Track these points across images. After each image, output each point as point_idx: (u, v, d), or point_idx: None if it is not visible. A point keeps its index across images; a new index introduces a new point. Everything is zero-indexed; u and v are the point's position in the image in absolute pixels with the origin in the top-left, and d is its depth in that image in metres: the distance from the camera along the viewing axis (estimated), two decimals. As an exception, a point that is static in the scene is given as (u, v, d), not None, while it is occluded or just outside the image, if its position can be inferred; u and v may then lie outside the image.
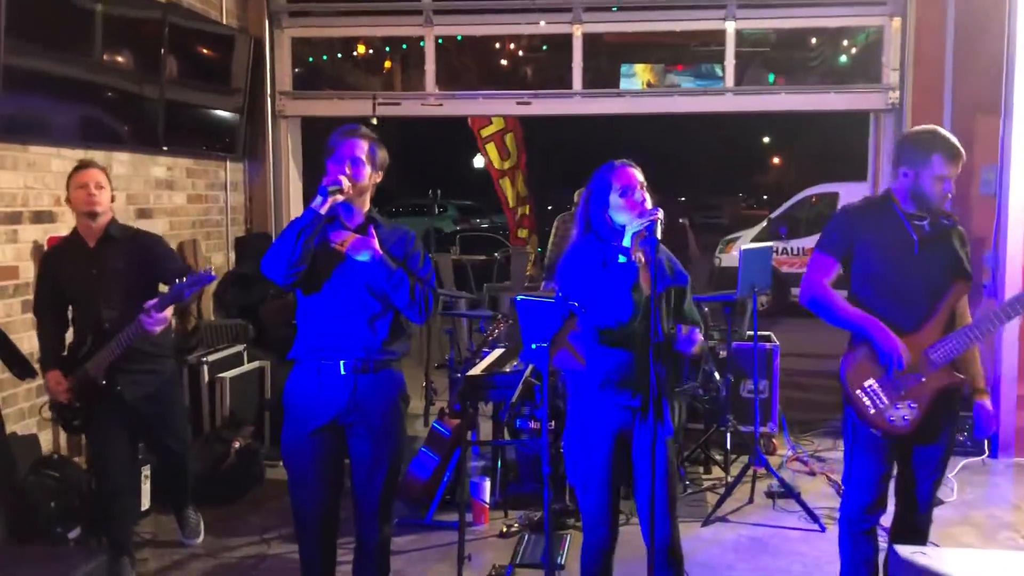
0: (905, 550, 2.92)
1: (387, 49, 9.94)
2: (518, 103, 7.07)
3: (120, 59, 5.48)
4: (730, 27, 6.86)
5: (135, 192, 5.80)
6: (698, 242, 12.64)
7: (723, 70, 11.59)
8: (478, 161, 36.45)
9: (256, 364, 6.14)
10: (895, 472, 3.49)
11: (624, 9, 6.97)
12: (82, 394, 4.02)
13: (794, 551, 4.56)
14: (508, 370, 3.97)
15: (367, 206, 3.36)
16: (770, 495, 5.23)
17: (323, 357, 3.28)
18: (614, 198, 3.10)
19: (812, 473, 5.67)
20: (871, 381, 3.33)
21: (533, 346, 2.86)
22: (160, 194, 6.09)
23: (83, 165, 4.07)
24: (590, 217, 3.16)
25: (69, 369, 4.04)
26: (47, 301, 4.14)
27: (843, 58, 12.99)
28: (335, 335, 3.26)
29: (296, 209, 7.48)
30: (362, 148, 3.26)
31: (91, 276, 4.02)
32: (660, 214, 2.97)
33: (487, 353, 4.71)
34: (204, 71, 6.54)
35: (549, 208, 18.71)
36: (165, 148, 5.97)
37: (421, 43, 7.12)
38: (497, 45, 12.16)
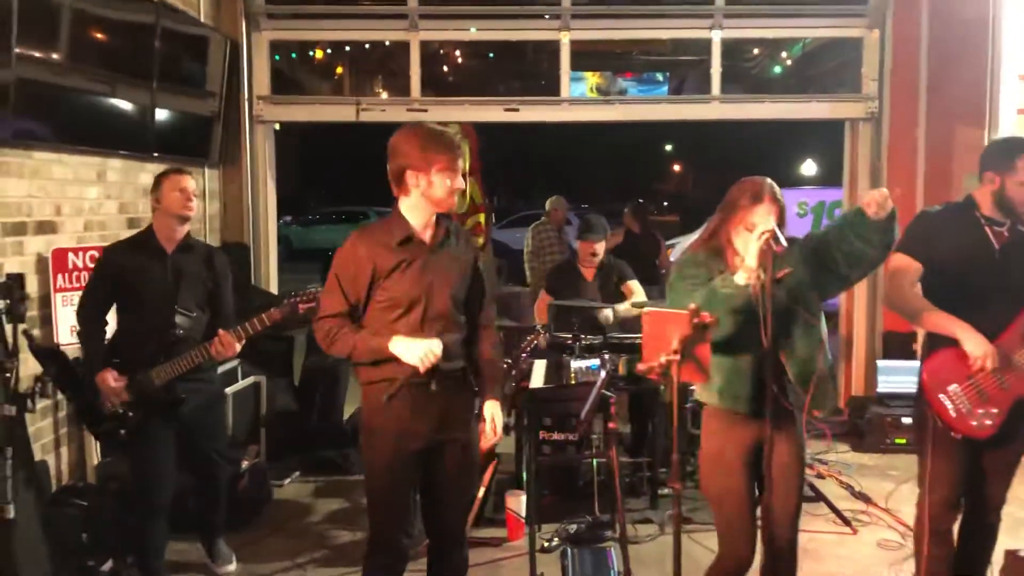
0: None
1: (347, 49, 9.75)
2: (506, 109, 6.98)
3: (115, 62, 5.17)
4: (716, 36, 6.93)
5: (127, 200, 5.49)
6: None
7: (663, 76, 11.72)
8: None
9: (252, 380, 5.88)
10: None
11: (612, 17, 6.97)
12: (137, 401, 3.84)
13: (835, 555, 4.61)
14: (574, 382, 3.89)
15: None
16: (794, 499, 5.28)
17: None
18: (741, 230, 3.05)
19: (821, 476, 5.75)
20: (954, 385, 3.38)
21: (663, 359, 2.78)
22: (147, 202, 5.74)
23: (178, 170, 4.02)
24: (715, 230, 3.13)
25: (123, 372, 3.87)
26: (102, 300, 3.98)
27: (777, 68, 13.38)
28: None
29: (272, 218, 7.23)
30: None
31: (168, 280, 3.94)
32: (769, 228, 2.93)
33: (527, 365, 4.63)
34: (185, 74, 6.24)
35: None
36: (156, 154, 5.66)
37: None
38: (441, 51, 12.07)
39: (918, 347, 6.86)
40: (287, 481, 5.73)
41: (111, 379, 3.82)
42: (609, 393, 3.87)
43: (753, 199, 3.06)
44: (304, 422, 6.22)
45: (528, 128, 7.40)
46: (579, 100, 7.04)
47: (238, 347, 3.91)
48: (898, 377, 6.63)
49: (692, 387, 5.45)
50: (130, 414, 3.87)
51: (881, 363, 6.70)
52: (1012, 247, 3.40)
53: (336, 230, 25.38)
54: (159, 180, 4.00)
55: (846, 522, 4.94)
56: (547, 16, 7.00)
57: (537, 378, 4.01)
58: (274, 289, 7.36)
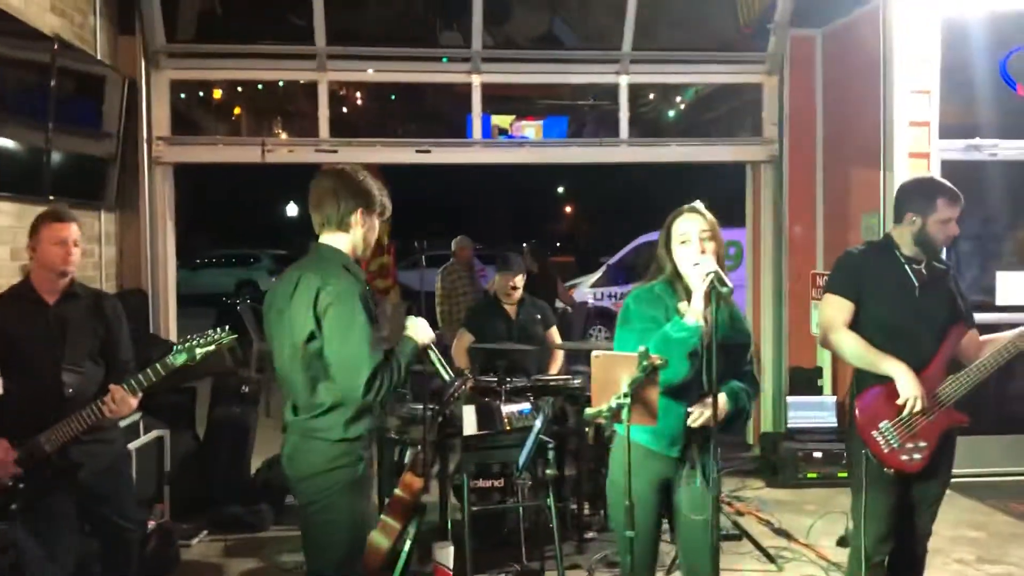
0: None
1: (239, 90, 9.50)
2: (417, 151, 6.92)
3: (9, 101, 4.89)
4: (623, 81, 7.06)
5: (19, 246, 5.14)
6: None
7: (568, 121, 11.91)
8: (291, 210, 35.63)
9: (154, 434, 5.56)
10: None
11: (523, 61, 7.02)
12: (29, 471, 3.49)
13: (763, 592, 4.64)
14: (509, 429, 3.81)
15: None
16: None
17: None
18: (675, 247, 3.07)
19: (740, 513, 5.81)
20: (885, 422, 3.47)
21: (614, 402, 2.73)
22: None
23: (58, 216, 3.60)
24: (660, 264, 3.12)
25: (12, 438, 3.51)
26: None
27: (672, 112, 13.77)
28: None
29: (172, 263, 6.93)
30: None
31: (51, 336, 3.59)
32: (713, 268, 2.94)
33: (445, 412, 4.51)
34: (81, 114, 5.95)
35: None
36: (51, 197, 5.34)
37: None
38: (341, 92, 11.94)
39: (823, 383, 7.10)
40: (195, 541, 5.43)
41: (1, 451, 3.48)
42: (547, 439, 3.81)
43: (675, 213, 3.15)
44: (211, 478, 5.92)
45: (420, 169, 7.32)
46: (491, 142, 7.03)
47: (134, 402, 3.60)
48: (806, 412, 6.80)
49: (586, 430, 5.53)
50: (20, 486, 3.51)
51: (790, 399, 6.85)
52: (930, 285, 3.54)
53: (225, 274, 24.70)
54: (36, 226, 3.60)
55: (771, 559, 4.98)
56: (446, 60, 6.99)
57: (469, 425, 3.91)
58: (174, 338, 7.03)
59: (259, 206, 31.63)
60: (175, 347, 3.60)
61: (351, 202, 3.05)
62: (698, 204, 3.14)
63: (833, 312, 3.55)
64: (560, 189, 44.91)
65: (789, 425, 6.75)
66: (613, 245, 21.44)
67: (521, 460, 3.62)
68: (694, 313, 2.91)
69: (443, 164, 7.00)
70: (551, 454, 3.87)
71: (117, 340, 3.81)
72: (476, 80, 6.90)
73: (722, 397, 2.97)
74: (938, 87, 6.30)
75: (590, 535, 5.27)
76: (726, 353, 3.00)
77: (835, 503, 5.96)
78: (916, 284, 3.52)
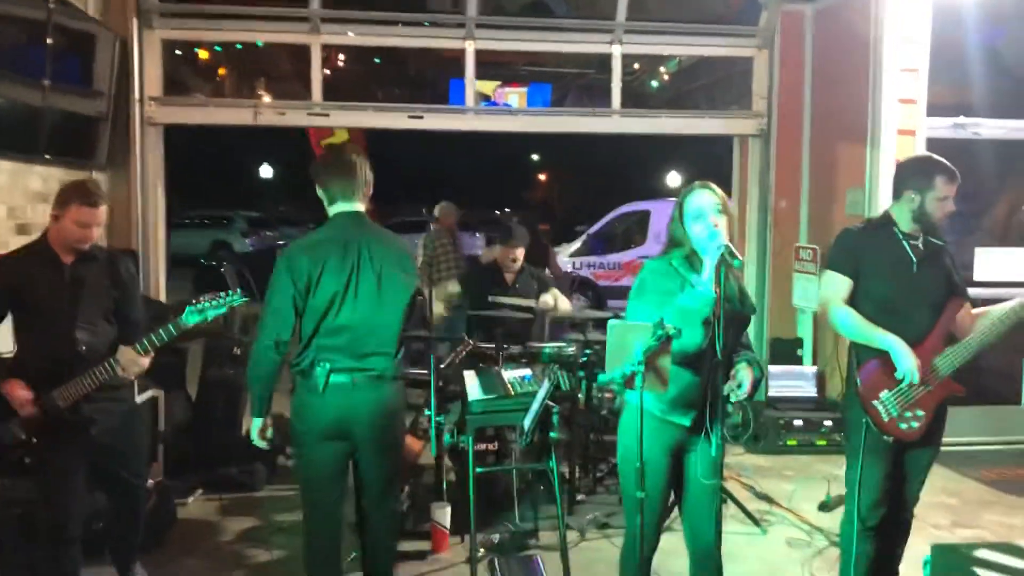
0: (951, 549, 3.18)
1: (234, 48, 9.43)
2: (410, 116, 6.92)
3: (6, 60, 4.85)
4: (616, 51, 7.10)
5: (16, 205, 5.14)
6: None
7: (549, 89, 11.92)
8: (265, 171, 35.30)
9: (149, 394, 5.59)
10: None
11: (516, 28, 7.03)
12: (42, 425, 3.55)
13: (749, 556, 4.78)
14: (513, 394, 3.90)
15: None
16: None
17: None
18: (688, 222, 3.16)
19: (724, 478, 5.95)
20: (885, 392, 3.60)
21: (628, 368, 2.82)
22: (36, 207, 5.42)
23: (90, 200, 3.60)
24: (674, 237, 3.20)
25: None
26: None
27: (655, 83, 13.83)
28: None
29: (162, 224, 6.93)
30: None
31: (66, 294, 3.64)
32: (725, 242, 3.04)
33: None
34: (74, 72, 5.90)
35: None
36: (47, 156, 5.32)
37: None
38: (325, 54, 11.86)
39: (803, 353, 7.28)
40: (191, 500, 5.49)
41: (18, 388, 3.53)
42: (553, 404, 3.91)
43: (688, 189, 3.26)
44: (204, 438, 5.97)
45: (393, 135, 7.33)
46: (485, 110, 7.07)
47: (145, 362, 3.67)
48: (787, 381, 6.97)
49: (604, 395, 5.64)
50: (34, 440, 3.58)
51: (771, 368, 7.00)
52: (927, 260, 3.65)
53: (199, 235, 24.50)
54: (65, 200, 3.62)
55: (755, 522, 5.14)
56: (428, 24, 6.99)
57: (474, 390, 3.99)
58: (163, 298, 7.05)
59: (232, 167, 31.32)
60: (188, 308, 3.64)
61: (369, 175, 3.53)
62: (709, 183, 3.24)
63: (832, 289, 3.67)
64: (535, 157, 44.90)
65: (770, 394, 6.91)
66: (589, 215, 21.53)
67: (526, 424, 3.72)
68: (707, 283, 3.00)
69: (435, 130, 7.00)
70: (556, 419, 3.96)
71: (130, 300, 3.86)
72: (470, 47, 6.90)
73: (748, 369, 3.10)
74: (927, 66, 6.42)
75: (580, 497, 5.41)
76: (734, 324, 3.11)
77: (814, 469, 6.15)
78: (914, 259, 3.63)
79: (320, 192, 3.55)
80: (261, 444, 3.52)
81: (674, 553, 4.01)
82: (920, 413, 3.59)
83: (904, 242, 3.65)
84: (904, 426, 3.59)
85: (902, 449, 3.70)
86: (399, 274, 3.49)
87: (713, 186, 3.22)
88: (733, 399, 3.11)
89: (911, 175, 3.69)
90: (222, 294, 3.71)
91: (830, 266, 3.72)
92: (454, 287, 5.88)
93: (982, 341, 3.58)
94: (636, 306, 3.16)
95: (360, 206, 3.54)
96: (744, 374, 3.14)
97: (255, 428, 3.50)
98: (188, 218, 25.92)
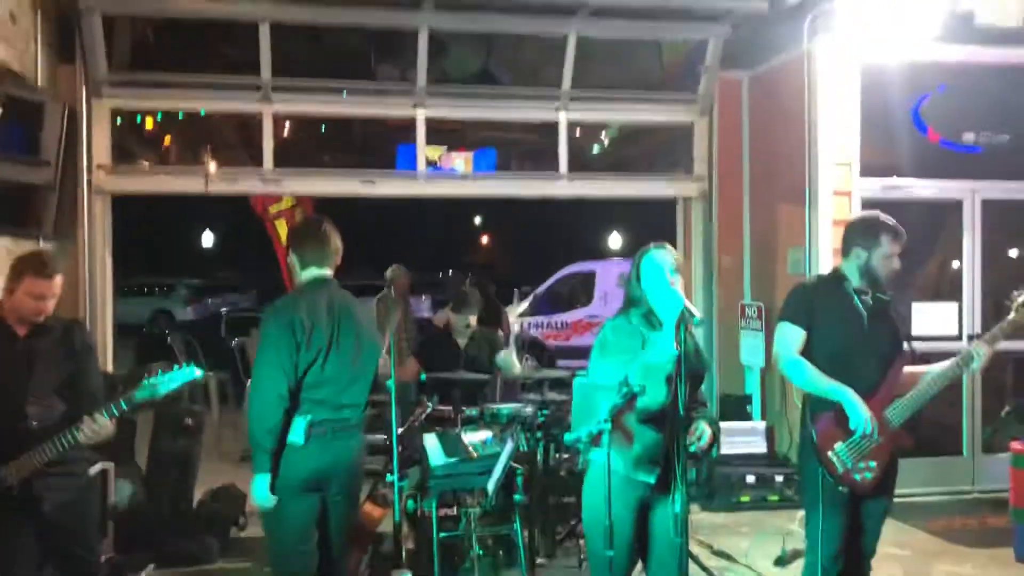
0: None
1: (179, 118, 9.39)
2: (362, 181, 7.01)
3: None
4: (562, 117, 7.31)
5: (-37, 276, 5.04)
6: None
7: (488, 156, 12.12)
8: (207, 239, 34.88)
9: (99, 467, 5.45)
10: None
11: (465, 96, 7.19)
12: None
13: (710, 611, 4.83)
14: (476, 457, 3.91)
15: None
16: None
17: None
18: (646, 280, 3.25)
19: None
20: (839, 444, 3.70)
21: (595, 427, 2.89)
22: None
23: (43, 272, 3.54)
24: (632, 297, 3.28)
25: None
26: None
27: (596, 148, 14.12)
28: None
29: (109, 294, 6.86)
30: None
31: (19, 368, 3.55)
32: (684, 300, 3.14)
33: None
34: (19, 142, 5.86)
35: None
36: (-6, 227, 5.26)
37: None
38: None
39: (751, 408, 7.41)
40: (142, 575, 5.34)
41: None
42: (516, 464, 3.94)
43: (644, 250, 3.40)
44: (155, 511, 5.84)
45: (337, 200, 7.44)
46: (435, 175, 7.17)
47: (112, 427, 3.59)
48: (738, 438, 7.08)
49: (563, 457, 5.67)
50: None
51: (722, 424, 7.09)
52: (876, 315, 3.80)
53: (140, 303, 24.06)
54: (19, 272, 3.57)
55: (715, 580, 5.19)
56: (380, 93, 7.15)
57: (435, 454, 4.00)
58: (110, 368, 6.92)
59: (172, 234, 30.94)
60: (142, 382, 3.59)
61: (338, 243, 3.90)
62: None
63: (786, 340, 3.78)
64: (476, 220, 45.25)
65: (722, 451, 7.00)
66: (531, 276, 21.72)
67: (490, 487, 3.74)
68: (668, 341, 3.08)
69: (387, 196, 7.08)
70: (519, 480, 3.98)
71: (86, 372, 3.76)
72: (421, 114, 7.04)
73: (707, 425, 3.18)
74: (859, 129, 6.72)
75: (540, 561, 5.39)
76: (692, 380, 3.20)
77: (768, 524, 6.23)
78: (864, 314, 3.78)
79: (293, 257, 3.85)
80: (270, 501, 3.55)
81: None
82: (872, 464, 3.70)
83: (855, 297, 3.80)
84: (858, 477, 3.69)
85: (857, 501, 3.80)
86: (372, 332, 3.87)
87: (668, 246, 3.34)
88: (693, 448, 3.18)
89: (859, 233, 3.86)
90: (175, 367, 3.66)
91: (784, 318, 3.83)
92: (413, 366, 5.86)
93: (927, 394, 3.72)
94: (599, 364, 3.23)
95: (329, 272, 3.83)
96: (704, 428, 3.22)
97: (264, 485, 3.53)
98: (127, 286, 25.45)
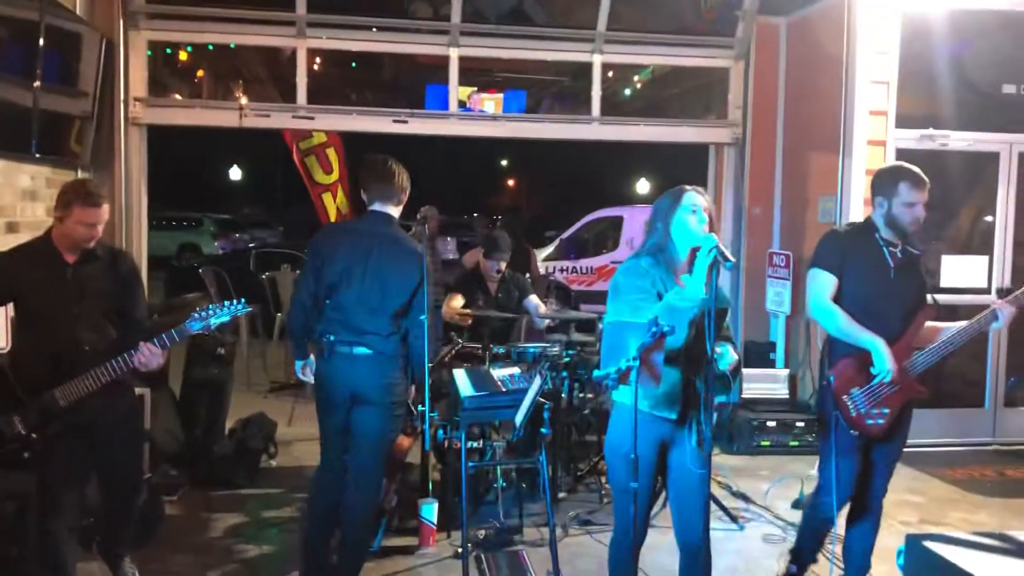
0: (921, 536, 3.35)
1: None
2: (394, 120, 7.02)
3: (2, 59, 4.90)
4: (597, 60, 7.26)
5: (6, 203, 5.17)
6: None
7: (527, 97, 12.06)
8: (235, 173, 35.05)
9: (136, 392, 5.62)
10: None
11: (499, 36, 7.15)
12: (42, 423, 3.60)
13: (727, 550, 4.93)
14: (505, 391, 4.01)
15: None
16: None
17: None
18: (679, 220, 3.29)
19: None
20: (856, 389, 3.77)
21: (623, 364, 2.96)
22: (25, 206, 5.45)
23: (92, 200, 3.66)
24: (660, 238, 3.31)
25: (26, 391, 3.63)
26: None
27: (628, 91, 14.01)
28: None
29: (144, 223, 6.97)
30: None
31: (69, 293, 3.67)
32: (716, 244, 3.17)
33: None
34: (62, 72, 5.93)
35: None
36: (37, 155, 5.36)
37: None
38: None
39: (775, 356, 7.47)
40: (176, 496, 5.54)
41: None
42: (544, 400, 4.04)
43: (678, 190, 3.38)
44: (189, 435, 6.02)
45: (363, 139, 7.43)
46: (466, 115, 7.18)
47: (163, 358, 3.75)
48: (760, 384, 7.15)
49: (591, 395, 5.77)
50: (34, 436, 3.62)
51: (745, 371, 7.18)
52: (903, 267, 3.84)
53: (167, 237, 24.32)
54: (68, 202, 3.66)
55: (733, 519, 5.30)
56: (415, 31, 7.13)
57: (466, 387, 4.10)
58: (144, 298, 7.06)
59: (200, 169, 31.11)
60: (192, 315, 3.71)
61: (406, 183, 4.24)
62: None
63: (819, 285, 3.83)
64: (504, 162, 45.03)
65: (744, 396, 7.08)
66: (557, 221, 21.66)
67: (518, 421, 3.83)
68: (697, 284, 3.12)
69: (417, 135, 7.10)
70: (547, 415, 4.08)
71: (133, 298, 3.91)
72: (454, 53, 7.02)
73: (732, 350, 3.25)
74: (896, 78, 6.64)
75: (562, 495, 5.54)
76: (717, 319, 3.25)
77: (787, 469, 6.32)
78: (892, 265, 3.81)
79: (363, 193, 4.19)
80: (307, 379, 4.20)
81: (656, 548, 4.18)
82: (886, 411, 3.78)
83: (884, 248, 3.83)
84: (870, 422, 3.77)
85: (870, 445, 3.88)
86: (400, 268, 4.02)
87: (700, 189, 3.36)
88: (723, 366, 3.22)
89: (880, 183, 3.90)
90: (226, 303, 3.78)
91: (817, 263, 3.87)
92: (457, 302, 5.93)
93: (947, 348, 3.78)
94: (615, 306, 3.28)
95: (392, 210, 4.15)
96: (728, 349, 3.29)
97: (297, 368, 4.25)
98: (155, 220, 25.71)
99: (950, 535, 3.39)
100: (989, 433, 7.19)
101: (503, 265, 5.81)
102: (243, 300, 3.82)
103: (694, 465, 3.27)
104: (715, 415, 3.38)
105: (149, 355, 3.66)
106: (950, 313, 7.05)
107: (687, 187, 3.37)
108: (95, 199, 3.68)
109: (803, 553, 4.19)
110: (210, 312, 3.72)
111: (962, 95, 6.86)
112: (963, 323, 3.82)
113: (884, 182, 3.87)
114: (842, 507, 3.92)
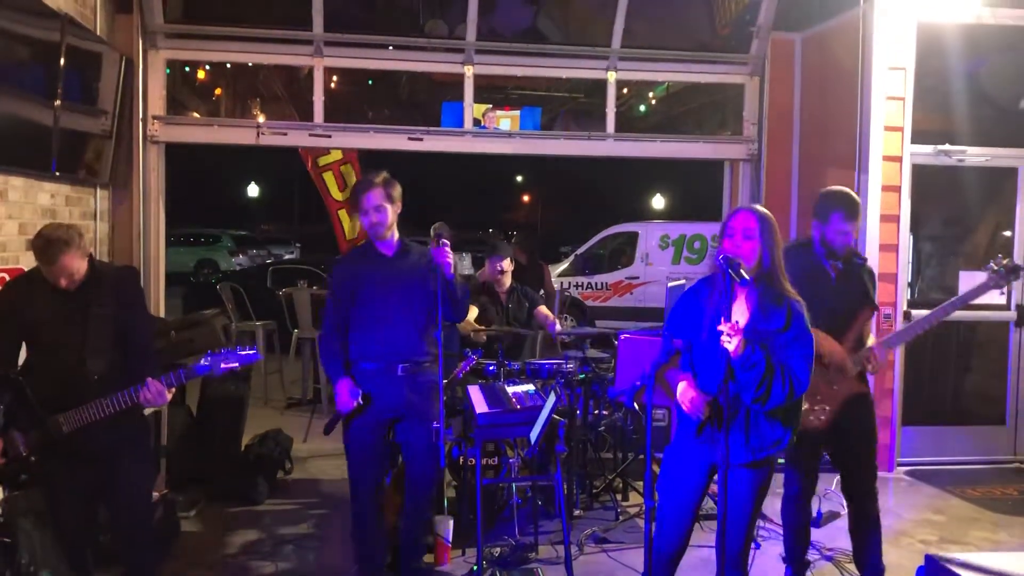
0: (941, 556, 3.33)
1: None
2: (410, 138, 7.06)
3: (22, 78, 4.96)
4: (611, 77, 7.28)
5: (26, 221, 5.22)
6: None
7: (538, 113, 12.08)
8: (252, 190, 35.31)
9: (151, 409, 5.65)
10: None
11: (514, 54, 7.19)
12: (43, 447, 3.58)
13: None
14: (519, 408, 4.00)
15: (396, 235, 4.37)
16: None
17: None
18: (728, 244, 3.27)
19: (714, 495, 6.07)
20: None
21: (637, 382, 2.96)
22: (45, 224, 5.48)
23: (48, 257, 3.53)
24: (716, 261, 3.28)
25: (29, 420, 3.59)
26: (3, 345, 3.64)
27: (643, 107, 14.04)
28: None
29: (162, 241, 7.02)
30: (379, 196, 4.24)
31: (73, 320, 3.60)
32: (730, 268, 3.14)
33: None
34: (83, 91, 6.00)
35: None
36: (57, 173, 5.42)
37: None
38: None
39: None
40: (193, 512, 5.55)
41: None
42: (559, 417, 4.03)
43: (746, 236, 3.31)
44: (206, 452, 6.04)
45: (381, 157, 7.44)
46: (482, 132, 7.21)
47: (168, 396, 3.66)
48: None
49: (602, 413, 5.76)
50: (33, 459, 3.58)
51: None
52: (845, 277, 4.14)
53: (185, 252, 24.51)
54: (36, 255, 3.58)
55: (750, 537, 5.26)
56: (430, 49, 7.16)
57: (480, 403, 4.10)
58: (162, 314, 7.12)
59: (218, 185, 31.36)
60: (204, 357, 3.66)
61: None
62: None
63: None
64: (519, 178, 45.12)
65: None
66: (572, 236, 21.66)
67: (533, 437, 3.83)
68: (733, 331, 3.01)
69: (433, 152, 7.14)
70: (561, 432, 4.08)
71: (132, 322, 3.76)
72: (469, 71, 7.06)
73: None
74: (912, 94, 6.62)
75: (577, 513, 5.52)
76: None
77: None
78: (832, 275, 4.12)
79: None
80: (344, 406, 4.16)
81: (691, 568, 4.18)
82: (826, 407, 4.08)
83: (823, 260, 4.12)
84: (812, 417, 4.05)
85: (835, 443, 4.25)
86: (416, 286, 4.20)
87: (757, 207, 3.33)
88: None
89: (818, 207, 4.18)
90: (238, 348, 3.69)
91: None
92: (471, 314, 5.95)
93: (916, 330, 4.25)
94: (671, 320, 3.30)
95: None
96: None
97: (336, 393, 4.23)
98: (173, 236, 25.90)
99: (969, 557, 3.36)
100: (1010, 451, 7.11)
101: (506, 263, 5.84)
102: (255, 348, 3.72)
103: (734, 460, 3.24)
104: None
105: (155, 394, 3.57)
106: (970, 329, 7.12)
107: (740, 207, 3.42)
108: (50, 256, 3.53)
109: (794, 555, 4.49)
110: (221, 357, 3.63)
111: (978, 111, 6.83)
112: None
113: (821, 208, 4.14)
114: (807, 501, 4.32)
